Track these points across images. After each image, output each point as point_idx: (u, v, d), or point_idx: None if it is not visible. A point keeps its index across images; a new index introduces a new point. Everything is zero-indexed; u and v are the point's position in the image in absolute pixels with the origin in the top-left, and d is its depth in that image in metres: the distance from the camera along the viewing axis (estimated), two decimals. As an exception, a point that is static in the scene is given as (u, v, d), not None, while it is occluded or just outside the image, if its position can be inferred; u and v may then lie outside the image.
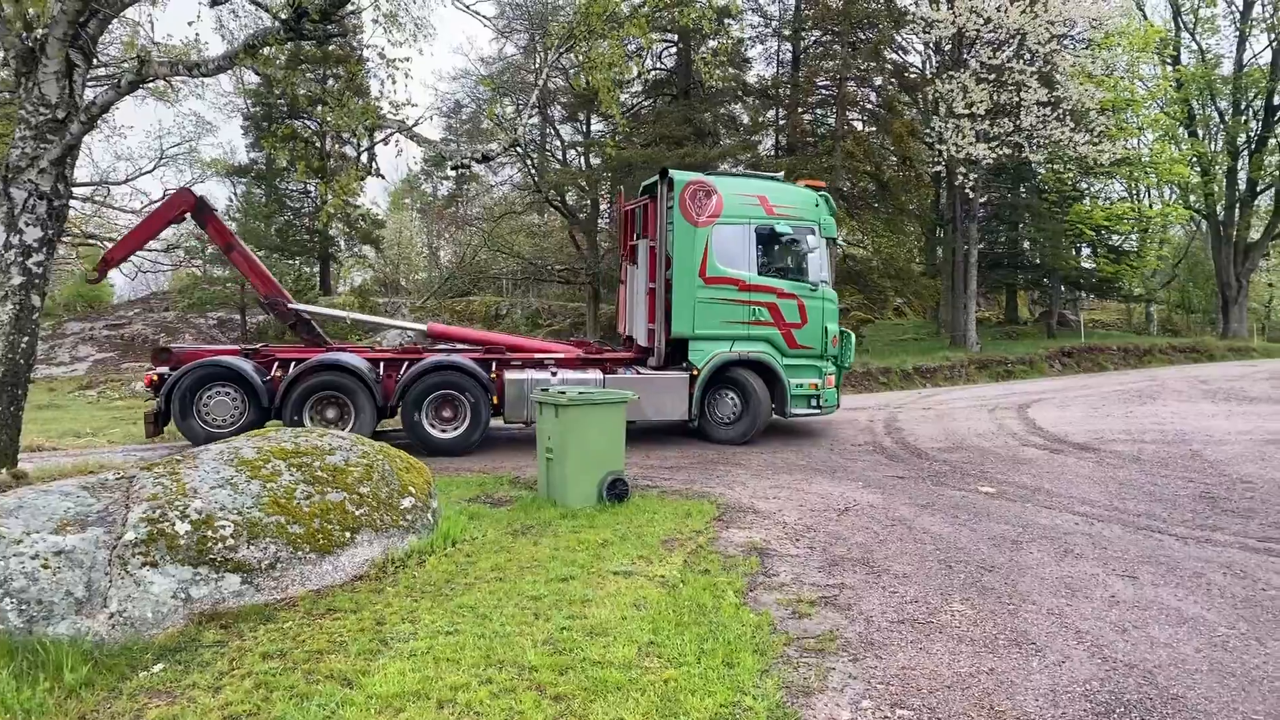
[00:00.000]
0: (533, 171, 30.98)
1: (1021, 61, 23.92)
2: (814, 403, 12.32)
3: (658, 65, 30.47)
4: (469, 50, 53.80)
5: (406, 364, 11.59)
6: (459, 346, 12.95)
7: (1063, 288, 34.74)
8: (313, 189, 30.98)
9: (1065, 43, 25.73)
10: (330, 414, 11.29)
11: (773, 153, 29.39)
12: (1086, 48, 27.33)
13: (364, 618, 5.02)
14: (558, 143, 33.81)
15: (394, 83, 14.60)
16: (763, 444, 12.35)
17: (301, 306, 13.85)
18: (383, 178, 40.11)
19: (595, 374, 11.97)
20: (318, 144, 31.87)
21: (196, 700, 3.99)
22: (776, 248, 12.36)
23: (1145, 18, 35.38)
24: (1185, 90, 35.25)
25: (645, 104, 31.19)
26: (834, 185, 25.49)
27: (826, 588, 5.74)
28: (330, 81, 30.61)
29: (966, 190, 25.40)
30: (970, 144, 23.28)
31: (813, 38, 28.66)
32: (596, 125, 32.54)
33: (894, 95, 27.71)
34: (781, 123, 29.27)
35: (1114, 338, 32.95)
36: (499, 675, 4.20)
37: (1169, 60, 35.79)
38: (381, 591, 5.51)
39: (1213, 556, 6.32)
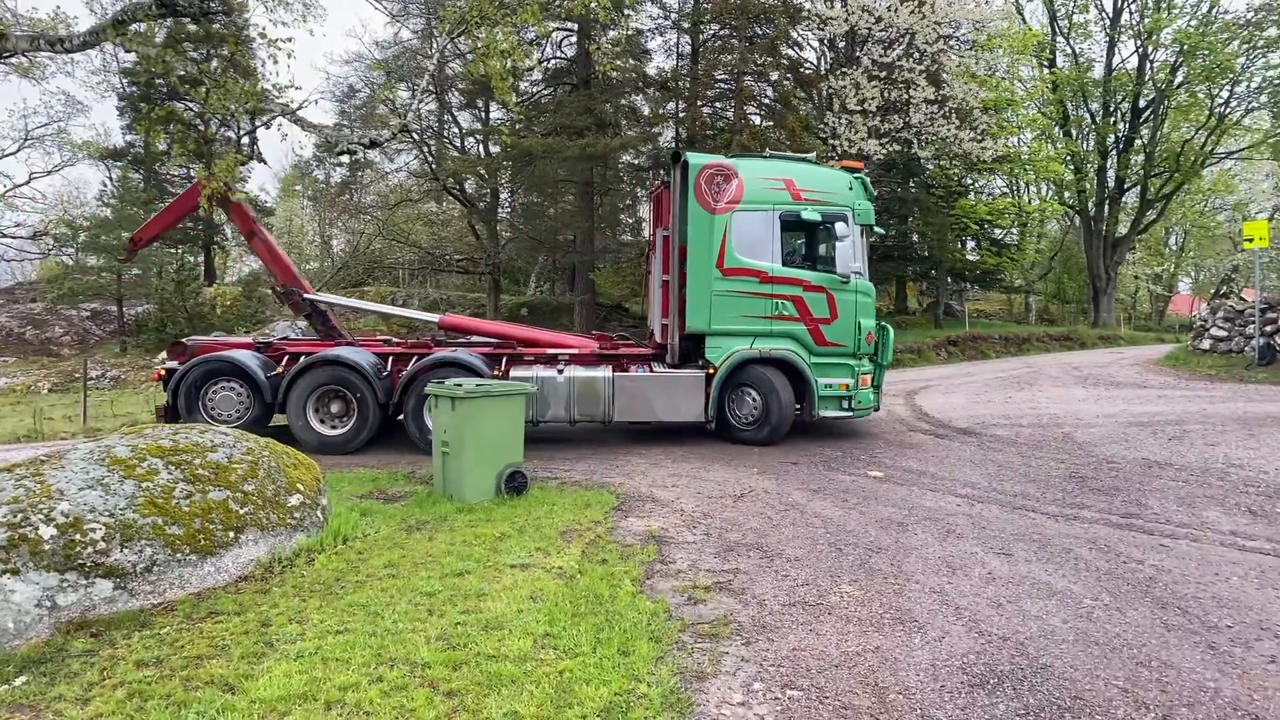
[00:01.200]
0: (430, 158, 30.34)
1: (911, 60, 24.78)
2: (846, 404, 11.25)
3: (557, 54, 30.25)
4: (362, 33, 52.11)
5: (415, 359, 11.21)
6: (472, 339, 12.58)
7: (949, 279, 36.22)
8: (194, 174, 29.56)
9: (951, 43, 26.78)
10: (335, 409, 11.04)
11: (673, 144, 29.58)
12: (971, 49, 28.55)
13: (248, 620, 4.84)
14: (456, 129, 33.20)
15: (275, 64, 14.08)
16: (664, 433, 12.45)
17: (319, 297, 13.39)
18: (265, 163, 38.51)
19: (605, 371, 11.15)
20: (200, 127, 30.43)
21: (63, 713, 3.77)
22: (803, 236, 11.58)
23: (1024, 21, 37.13)
24: (1060, 92, 37.19)
25: (545, 93, 30.93)
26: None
27: (721, 573, 5.84)
28: (214, 62, 29.25)
29: (859, 184, 26.14)
30: (863, 139, 24.00)
31: (711, 31, 28.96)
32: (496, 113, 32.12)
33: (790, 91, 28.28)
34: (681, 115, 29.49)
35: (996, 327, 34.59)
36: (390, 673, 4.12)
37: (1046, 63, 37.69)
38: (268, 592, 5.32)
39: (1080, 533, 6.71)
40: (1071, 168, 37.45)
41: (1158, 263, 51.17)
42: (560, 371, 11.07)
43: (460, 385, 8.01)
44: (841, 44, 27.31)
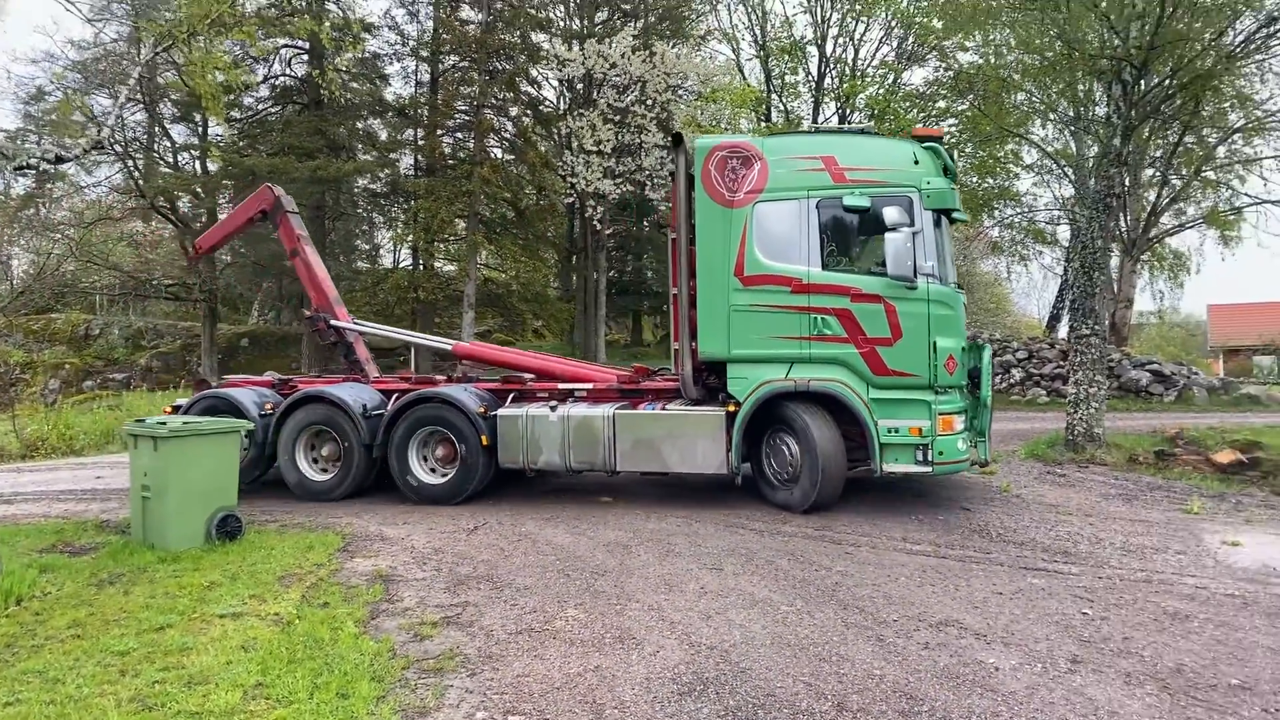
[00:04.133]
0: (136, 173, 27.55)
1: (643, 106, 26.19)
2: (922, 455, 8.22)
3: (286, 72, 28.77)
4: (54, 30, 46.33)
5: (396, 396, 9.99)
6: (467, 372, 11.37)
7: (681, 313, 38.40)
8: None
9: (680, 93, 28.65)
10: (327, 451, 10.02)
11: (412, 172, 29.09)
12: (697, 99, 30.70)
13: (-117, 703, 4.15)
14: (168, 143, 30.43)
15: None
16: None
17: (346, 324, 12.00)
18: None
19: (605, 409, 9.21)
20: None
21: None
22: (850, 229, 8.66)
23: (744, 78, 40.54)
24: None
25: (273, 110, 29.25)
26: (472, 210, 25.91)
27: (450, 607, 5.83)
28: None
29: (595, 222, 27.16)
30: (599, 179, 24.97)
31: (451, 62, 28.92)
32: (217, 128, 29.85)
33: (530, 127, 28.86)
34: (420, 143, 29.09)
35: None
36: (69, 745, 3.72)
37: (763, 117, 41.35)
38: (-89, 668, 4.59)
39: (781, 546, 7.41)
40: (785, 214, 41.18)
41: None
42: (553, 409, 9.36)
43: (164, 424, 7.36)
44: (579, 85, 28.32)
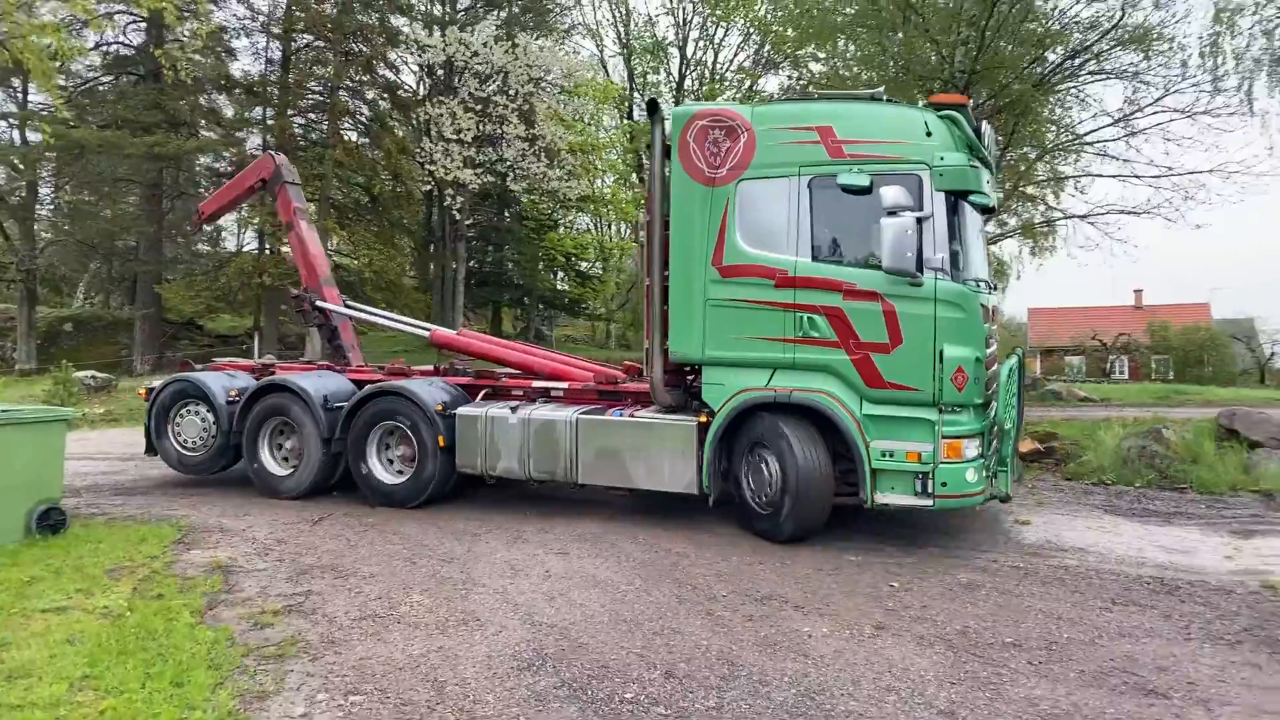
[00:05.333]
0: (-58, 140, 25.16)
1: (505, 97, 26.09)
2: (921, 485, 6.87)
3: (121, 39, 26.94)
4: None
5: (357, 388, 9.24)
6: (455, 363, 10.34)
7: (540, 306, 38.49)
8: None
9: (543, 86, 28.69)
10: (290, 444, 9.32)
11: (260, 153, 27.85)
12: (560, 93, 30.82)
13: None
14: (-19, 109, 27.92)
15: None
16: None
17: (334, 307, 11.13)
18: None
19: (569, 413, 8.21)
20: None
21: None
22: (848, 213, 7.21)
23: (608, 74, 40.97)
24: (636, 142, 41.52)
25: (105, 80, 27.34)
26: (324, 194, 25.09)
27: (292, 596, 5.83)
28: None
29: (454, 211, 26.87)
30: (458, 168, 24.72)
31: (305, 41, 27.85)
32: (39, 96, 27.60)
33: (387, 111, 28.18)
34: (270, 122, 27.88)
35: (582, 350, 37.47)
36: (-127, 743, 3.58)
37: (625, 114, 41.87)
38: None
39: (628, 530, 7.74)
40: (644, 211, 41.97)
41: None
42: (514, 410, 8.46)
43: (-20, 411, 6.94)
44: (440, 72, 27.89)
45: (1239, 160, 18.99)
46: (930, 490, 6.84)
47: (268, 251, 27.61)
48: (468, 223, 28.89)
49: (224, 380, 9.73)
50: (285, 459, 9.33)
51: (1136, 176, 18.57)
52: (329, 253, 28.54)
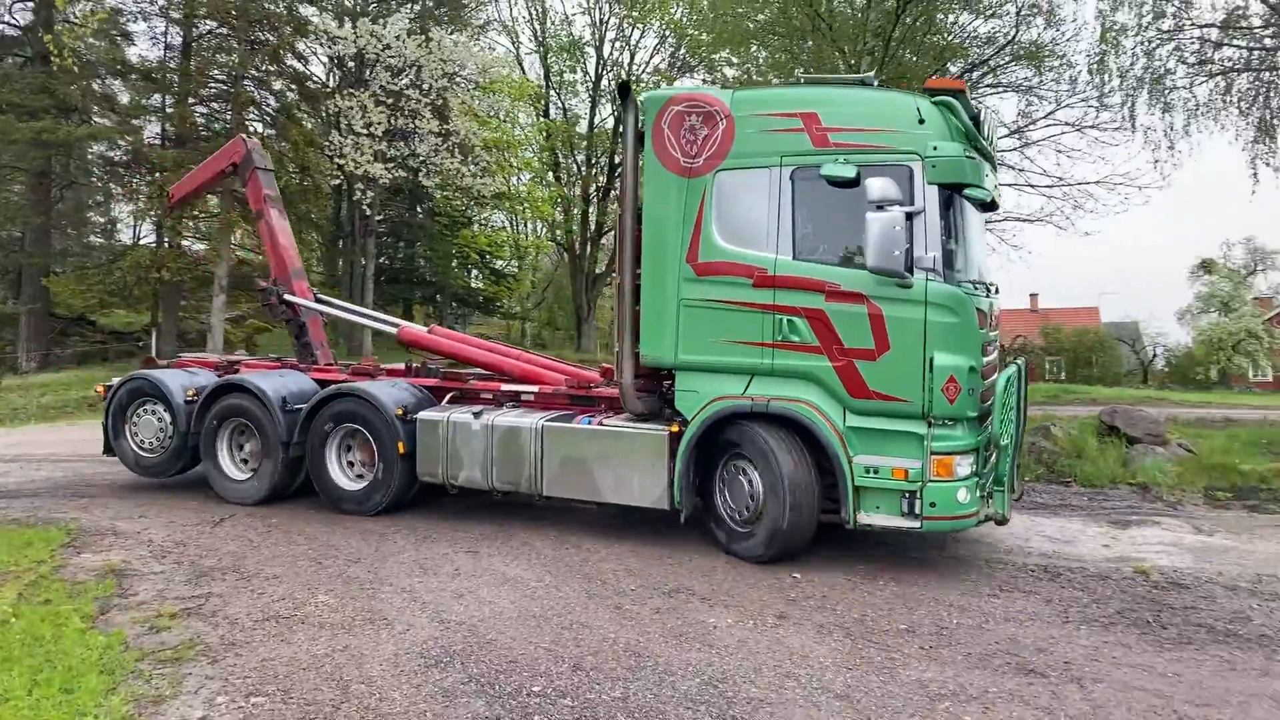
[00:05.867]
0: None
1: (418, 92, 25.66)
2: (909, 505, 6.29)
3: (6, 19, 25.49)
4: None
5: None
6: (429, 363, 9.60)
7: (454, 304, 38.02)
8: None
9: (457, 81, 28.33)
10: (250, 447, 8.87)
11: (158, 142, 26.73)
12: (475, 89, 30.49)
13: None
14: None
15: None
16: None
17: (303, 301, 10.51)
18: None
19: (534, 419, 7.67)
20: None
21: None
22: (832, 207, 6.66)
23: (524, 71, 40.72)
24: (552, 140, 41.42)
25: (-14, 61, 25.78)
26: (227, 186, 24.23)
27: (191, 599, 5.68)
28: None
29: (365, 206, 26.32)
30: (369, 162, 24.20)
31: (207, 27, 26.82)
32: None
33: (294, 103, 27.38)
34: (169, 111, 26.76)
35: (496, 350, 37.21)
36: None
37: (541, 112, 41.71)
38: None
39: (539, 527, 7.76)
40: (561, 209, 41.89)
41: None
42: (477, 415, 7.91)
43: None
44: (350, 64, 27.26)
45: (1123, 173, 20.18)
46: (918, 511, 6.25)
47: (166, 245, 26.51)
48: (378, 218, 28.34)
49: (183, 379, 9.32)
50: (245, 462, 8.91)
51: (1031, 185, 19.54)
52: (233, 247, 27.70)
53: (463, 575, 6.30)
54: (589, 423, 7.53)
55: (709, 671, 4.60)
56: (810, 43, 15.68)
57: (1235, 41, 15.45)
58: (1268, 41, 15.38)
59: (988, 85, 18.28)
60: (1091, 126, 17.80)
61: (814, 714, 4.13)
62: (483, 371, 9.32)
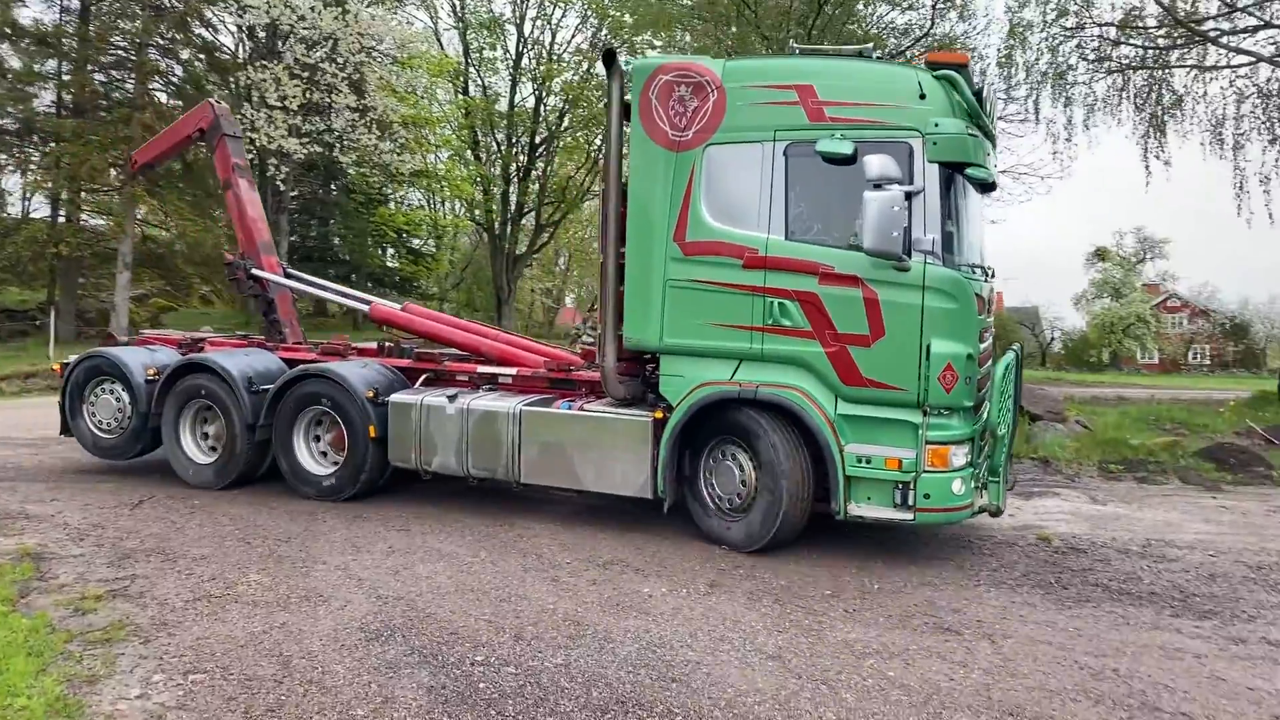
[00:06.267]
0: None
1: (335, 65, 24.97)
2: (901, 496, 6.10)
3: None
4: None
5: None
6: (403, 342, 9.19)
7: (369, 284, 37.25)
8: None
9: (374, 56, 27.65)
10: (214, 430, 8.55)
11: (54, 111, 25.38)
12: (393, 64, 29.82)
13: None
14: None
15: None
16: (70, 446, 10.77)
17: (271, 276, 10.11)
18: None
19: (513, 404, 7.38)
20: None
21: None
22: (827, 185, 6.43)
23: (442, 48, 39.96)
24: (471, 118, 40.82)
25: None
26: (130, 159, 23.24)
27: (115, 581, 5.56)
28: None
29: (278, 182, 25.57)
30: (283, 137, 23.49)
31: (107, -11, 25.51)
32: None
33: (203, 74, 26.34)
34: (66, 78, 25.39)
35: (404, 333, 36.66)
36: None
37: (461, 89, 41.03)
38: None
39: (470, 505, 7.81)
40: (481, 189, 41.40)
41: (549, 279, 59.12)
42: (451, 399, 7.60)
43: None
44: (263, 35, 26.32)
45: (1027, 163, 21.02)
46: (911, 502, 6.06)
47: (64, 219, 25.25)
48: (291, 194, 27.54)
49: (143, 357, 8.90)
50: (210, 445, 8.56)
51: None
52: (138, 222, 26.53)
53: (397, 552, 6.32)
54: (569, 408, 7.24)
55: (647, 637, 4.77)
56: (734, 29, 15.91)
57: (1132, 41, 16.30)
58: (1160, 41, 16.28)
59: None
60: (1001, 118, 18.53)
61: (748, 673, 4.34)
62: (458, 352, 8.98)
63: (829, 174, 6.28)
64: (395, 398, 7.82)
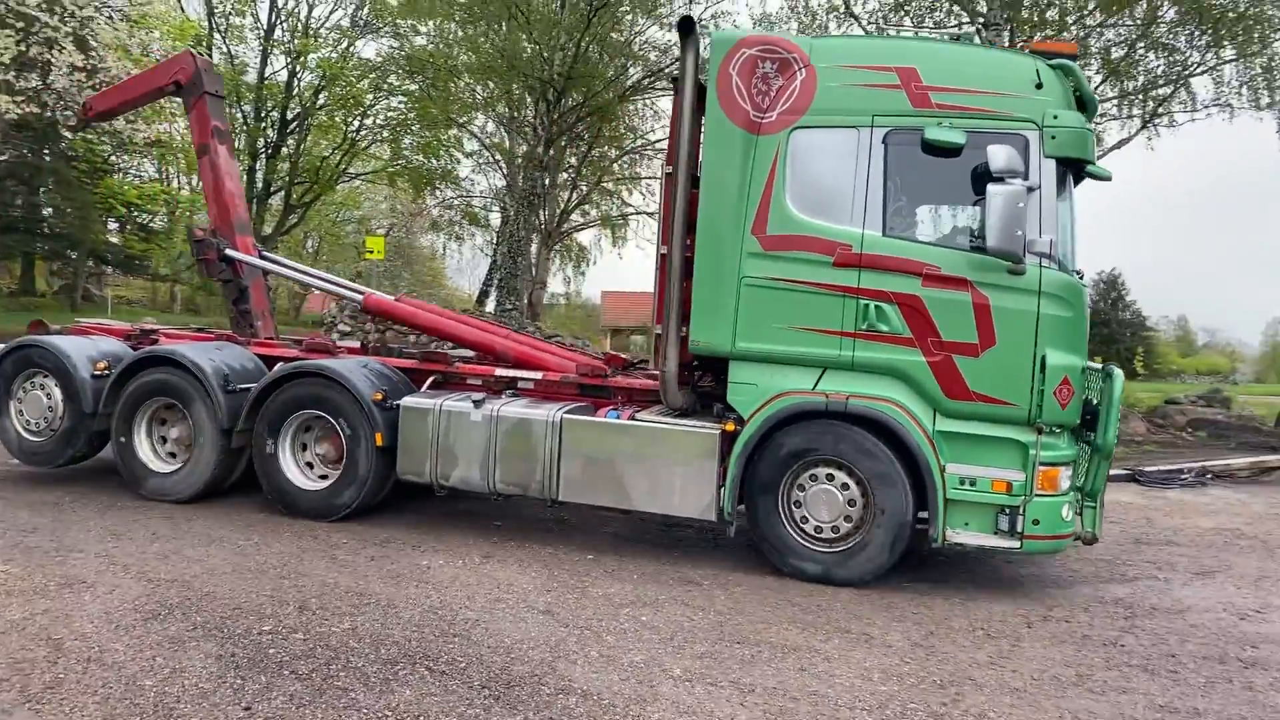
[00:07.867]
0: None
1: (56, 18, 22.40)
2: (1008, 521, 5.64)
3: None
4: None
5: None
6: (390, 342, 7.57)
7: (91, 261, 33.67)
8: None
9: (105, 12, 25.08)
10: (176, 433, 7.45)
11: None
12: (125, 21, 27.16)
13: None
14: None
15: None
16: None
17: (245, 257, 8.87)
18: None
19: (551, 412, 6.45)
20: None
21: None
22: (933, 177, 6.04)
23: (183, 10, 36.77)
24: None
25: None
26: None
27: None
28: None
29: (-21, 141, 22.57)
30: (-12, 91, 20.81)
31: None
32: None
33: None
34: None
35: (141, 314, 33.54)
36: None
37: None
38: None
39: (244, 495, 7.73)
40: (224, 163, 38.63)
41: (298, 261, 56.18)
42: (478, 404, 6.63)
43: None
44: (-40, -29, 23.03)
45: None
46: (1019, 529, 5.59)
47: None
48: (1, 158, 24.39)
49: (88, 348, 7.68)
50: (171, 452, 7.50)
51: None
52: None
53: (162, 539, 6.24)
54: (616, 417, 6.49)
55: (428, 602, 5.20)
56: (504, 27, 16.32)
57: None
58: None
59: (660, 89, 20.19)
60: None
61: (522, 626, 4.91)
62: (467, 353, 8.03)
63: (933, 166, 5.81)
64: (408, 402, 6.86)
